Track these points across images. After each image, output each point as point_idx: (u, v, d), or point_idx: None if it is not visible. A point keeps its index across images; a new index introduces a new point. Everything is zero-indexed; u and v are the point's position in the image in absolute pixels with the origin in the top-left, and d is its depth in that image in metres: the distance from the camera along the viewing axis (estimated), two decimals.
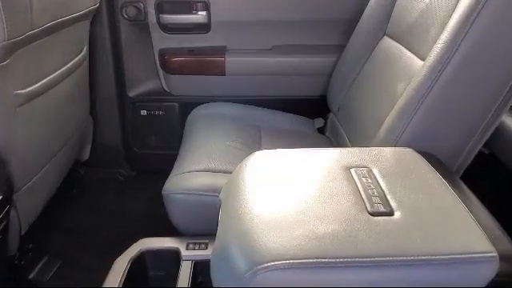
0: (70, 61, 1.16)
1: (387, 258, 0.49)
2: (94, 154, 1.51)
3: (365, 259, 0.49)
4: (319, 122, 1.38)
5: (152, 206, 1.34)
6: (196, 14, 1.38)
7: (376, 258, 0.49)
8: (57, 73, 1.08)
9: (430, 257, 0.49)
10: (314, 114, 1.40)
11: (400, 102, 0.82)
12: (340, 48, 1.31)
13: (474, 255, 0.50)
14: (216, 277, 0.55)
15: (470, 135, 0.82)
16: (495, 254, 0.50)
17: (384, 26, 1.14)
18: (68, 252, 1.20)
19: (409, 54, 0.97)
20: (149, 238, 0.89)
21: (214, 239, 0.59)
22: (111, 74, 1.43)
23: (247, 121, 1.31)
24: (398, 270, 0.49)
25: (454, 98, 0.77)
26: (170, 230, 0.96)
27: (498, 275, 0.49)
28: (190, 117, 1.36)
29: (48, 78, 1.03)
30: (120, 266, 0.82)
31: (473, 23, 0.72)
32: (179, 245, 0.86)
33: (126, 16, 1.36)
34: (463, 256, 0.50)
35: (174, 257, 0.85)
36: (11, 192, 0.84)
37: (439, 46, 0.76)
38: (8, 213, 0.84)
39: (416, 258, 0.49)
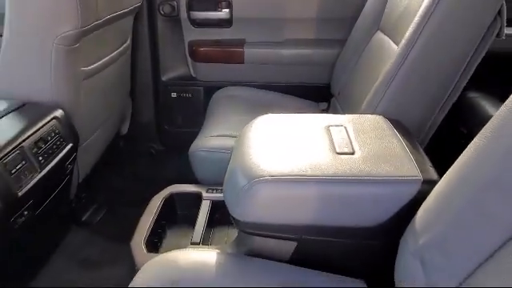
0: (117, 49, 1.43)
1: (341, 177, 0.71)
2: (132, 129, 1.78)
3: (325, 177, 0.71)
4: (323, 105, 1.59)
5: (178, 174, 1.59)
6: (220, 11, 1.62)
7: (334, 177, 0.72)
8: (108, 57, 1.34)
9: (372, 177, 0.71)
10: (320, 99, 1.61)
11: (376, 82, 1.03)
12: (342, 42, 1.52)
13: (404, 177, 0.72)
14: (226, 193, 0.78)
15: (433, 108, 1.02)
16: (420, 178, 0.71)
17: (378, 22, 1.34)
18: (110, 204, 1.48)
19: (393, 45, 1.17)
20: (178, 184, 1.14)
21: None
22: (148, 62, 1.69)
23: (260, 102, 1.54)
24: (348, 185, 0.71)
25: (419, 77, 0.97)
26: None
27: (419, 193, 0.70)
28: (213, 98, 1.61)
29: (102, 61, 1.29)
30: (154, 203, 1.08)
31: (433, 11, 0.91)
32: (201, 190, 1.11)
33: (162, 12, 1.63)
34: (396, 177, 0.72)
35: (197, 198, 1.10)
36: (77, 142, 1.11)
37: (407, 32, 0.97)
38: (74, 159, 1.12)
39: (362, 177, 0.71)
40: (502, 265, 0.50)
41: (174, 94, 1.76)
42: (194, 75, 1.75)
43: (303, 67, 1.65)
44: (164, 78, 1.74)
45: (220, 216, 1.07)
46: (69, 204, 1.29)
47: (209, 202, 1.07)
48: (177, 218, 1.12)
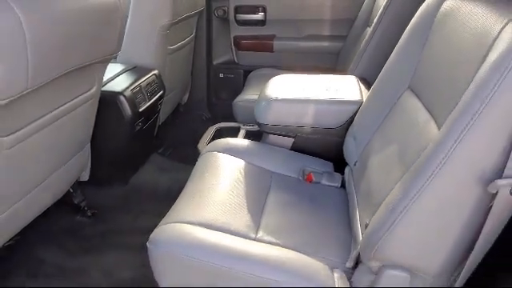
0: (186, 38, 2.09)
1: (318, 99, 1.30)
2: (189, 99, 2.44)
3: (309, 98, 1.30)
4: None
5: None
6: (258, 14, 2.26)
7: (313, 98, 1.30)
8: (181, 43, 2.00)
9: (336, 99, 1.29)
10: None
11: (355, 55, 1.61)
12: (345, 37, 2.10)
13: (353, 100, 1.29)
14: (255, 110, 1.38)
15: None
16: (362, 100, 1.28)
17: (367, 21, 1.91)
18: (174, 148, 2.11)
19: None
20: (224, 122, 1.76)
21: None
22: (204, 50, 2.34)
23: None
24: (322, 103, 1.30)
25: (382, 48, 1.50)
26: None
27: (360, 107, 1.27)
28: (249, 76, 2.23)
29: (178, 45, 1.95)
30: (210, 130, 1.70)
31: (389, 4, 1.49)
32: (239, 125, 1.72)
33: (216, 15, 2.28)
34: (349, 99, 1.29)
35: (236, 130, 1.70)
36: (164, 92, 1.76)
37: (375, 19, 1.54)
38: (161, 103, 1.77)
39: (330, 99, 1.29)
40: (388, 122, 1.06)
41: (221, 75, 2.40)
42: (236, 61, 2.39)
43: (316, 55, 2.24)
44: (214, 63, 2.38)
45: (252, 139, 1.67)
46: (153, 138, 1.94)
47: (244, 130, 1.68)
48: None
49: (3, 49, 0.72)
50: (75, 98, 1.13)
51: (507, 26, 0.63)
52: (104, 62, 1.19)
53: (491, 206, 0.64)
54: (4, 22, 0.72)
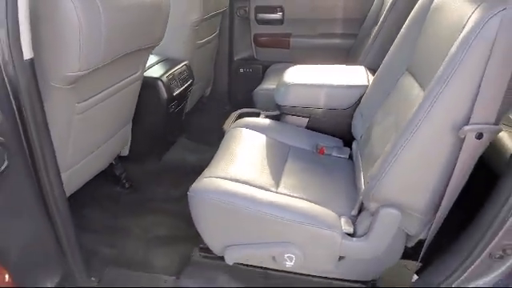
0: (211, 35, 2.32)
1: (330, 84, 1.50)
2: (211, 92, 2.66)
3: (322, 83, 1.50)
4: None
5: None
6: (276, 13, 2.47)
7: (326, 83, 1.50)
8: (207, 39, 2.23)
9: (347, 84, 1.49)
10: None
11: (363, 49, 1.80)
12: (355, 35, 2.29)
13: (361, 84, 1.48)
14: (275, 93, 1.59)
15: None
16: (368, 84, 1.47)
17: (376, 21, 2.10)
18: (199, 134, 2.34)
19: None
20: (245, 108, 1.97)
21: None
22: (226, 46, 2.57)
23: None
24: (334, 87, 1.50)
25: (386, 43, 1.71)
26: None
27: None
28: (267, 71, 2.44)
29: (204, 40, 2.18)
30: (233, 115, 1.91)
31: (393, 7, 1.69)
32: (259, 110, 1.93)
33: (238, 14, 2.51)
34: (357, 84, 1.49)
35: (257, 115, 1.91)
36: (193, 81, 1.99)
37: (380, 20, 1.74)
38: (190, 92, 1.99)
39: (341, 84, 1.49)
40: (388, 100, 1.26)
41: (241, 70, 2.62)
42: (255, 57, 2.60)
43: (329, 52, 2.44)
44: (235, 58, 2.60)
45: None
46: (182, 122, 2.17)
47: (264, 115, 1.89)
48: None
49: (89, 31, 0.95)
50: (127, 77, 1.35)
51: (475, 11, 0.82)
52: (150, 49, 1.42)
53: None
54: (89, 12, 0.95)
